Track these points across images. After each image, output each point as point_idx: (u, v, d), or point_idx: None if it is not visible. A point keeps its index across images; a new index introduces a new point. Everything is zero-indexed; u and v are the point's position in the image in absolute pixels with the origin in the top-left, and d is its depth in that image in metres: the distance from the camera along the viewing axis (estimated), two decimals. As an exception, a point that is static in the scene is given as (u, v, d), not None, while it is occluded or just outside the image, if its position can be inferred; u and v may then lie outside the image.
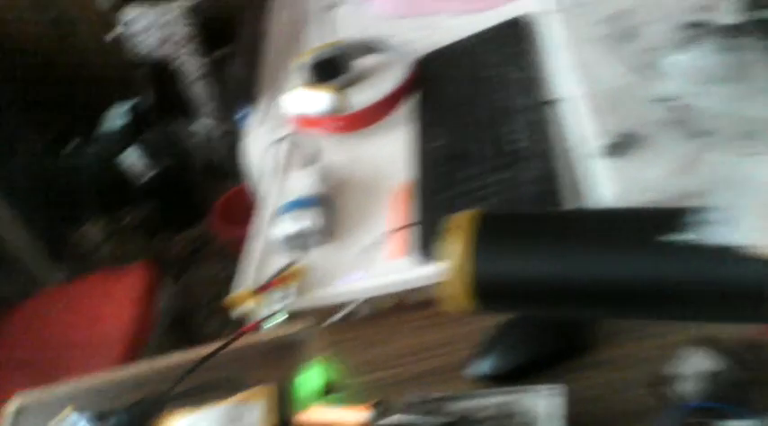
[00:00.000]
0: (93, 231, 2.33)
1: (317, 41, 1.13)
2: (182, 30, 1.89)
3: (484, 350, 0.74)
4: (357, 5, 1.27)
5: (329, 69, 1.00)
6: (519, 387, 0.67)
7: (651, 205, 0.52)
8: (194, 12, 1.88)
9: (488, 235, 0.53)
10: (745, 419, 0.62)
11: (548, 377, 0.69)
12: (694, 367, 0.64)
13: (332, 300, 0.82)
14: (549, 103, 0.87)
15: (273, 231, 0.87)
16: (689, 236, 0.46)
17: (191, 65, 1.93)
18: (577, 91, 0.83)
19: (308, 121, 0.99)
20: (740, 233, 0.45)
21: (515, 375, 0.72)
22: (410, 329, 0.79)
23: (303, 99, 0.99)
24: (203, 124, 2.09)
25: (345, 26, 1.25)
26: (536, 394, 0.67)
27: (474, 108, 0.92)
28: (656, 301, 0.51)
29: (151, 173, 2.07)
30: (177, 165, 2.15)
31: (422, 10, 1.16)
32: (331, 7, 1.34)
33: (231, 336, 0.75)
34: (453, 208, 0.84)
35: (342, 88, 0.98)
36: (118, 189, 2.17)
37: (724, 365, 0.64)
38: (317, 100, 0.97)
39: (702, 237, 0.46)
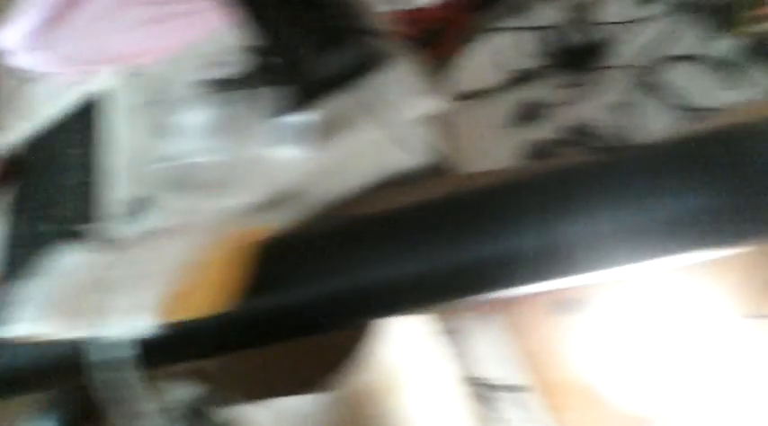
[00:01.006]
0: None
1: (14, 125, 1.11)
2: None
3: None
4: (49, 76, 1.22)
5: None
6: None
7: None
8: None
9: None
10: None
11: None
12: (180, 396, 0.74)
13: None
14: (97, 177, 0.94)
15: None
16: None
17: None
18: (113, 161, 0.91)
19: None
20: (27, 323, 0.53)
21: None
22: None
23: None
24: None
25: (40, 101, 1.22)
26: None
27: (44, 190, 0.98)
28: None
29: None
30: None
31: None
32: (22, 85, 1.32)
33: None
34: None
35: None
36: None
37: (203, 391, 0.74)
38: None
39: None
